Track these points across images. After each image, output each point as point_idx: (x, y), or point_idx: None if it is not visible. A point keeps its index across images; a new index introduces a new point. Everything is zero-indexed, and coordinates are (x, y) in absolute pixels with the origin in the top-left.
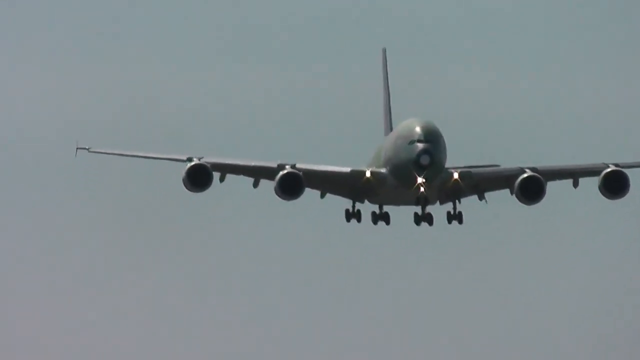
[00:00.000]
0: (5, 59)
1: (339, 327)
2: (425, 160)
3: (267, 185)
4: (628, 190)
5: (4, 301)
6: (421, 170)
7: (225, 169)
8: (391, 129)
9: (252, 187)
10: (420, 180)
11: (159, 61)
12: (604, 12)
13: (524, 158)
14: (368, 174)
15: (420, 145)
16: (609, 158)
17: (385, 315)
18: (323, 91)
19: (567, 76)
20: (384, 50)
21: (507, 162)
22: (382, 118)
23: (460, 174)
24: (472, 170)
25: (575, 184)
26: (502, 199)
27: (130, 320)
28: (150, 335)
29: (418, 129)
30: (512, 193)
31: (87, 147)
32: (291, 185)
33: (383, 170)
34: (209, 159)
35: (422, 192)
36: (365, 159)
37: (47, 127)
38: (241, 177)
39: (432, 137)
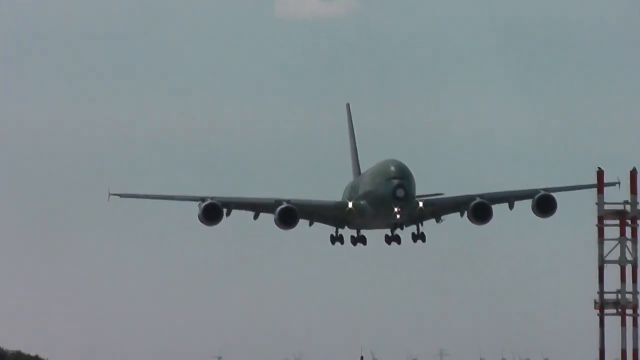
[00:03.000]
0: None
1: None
2: (401, 193)
3: (265, 217)
4: (556, 210)
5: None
6: (397, 201)
7: (232, 205)
8: (358, 169)
9: (252, 219)
10: (396, 209)
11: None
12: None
13: (468, 185)
14: (350, 205)
15: (396, 181)
16: (538, 184)
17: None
18: (299, 139)
19: (494, 112)
20: (348, 105)
21: (450, 190)
22: (350, 160)
23: (424, 203)
24: (434, 198)
25: (511, 207)
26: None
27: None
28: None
29: (393, 168)
30: (461, 215)
31: (118, 194)
32: (288, 217)
33: (362, 202)
34: (218, 197)
35: (398, 218)
36: (336, 193)
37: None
38: (243, 211)
39: (405, 174)
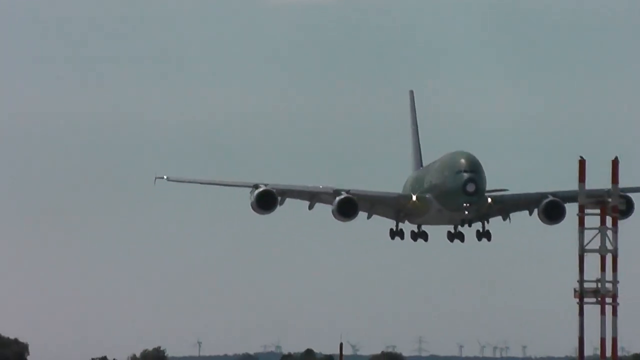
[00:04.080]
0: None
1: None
2: (471, 187)
3: (320, 207)
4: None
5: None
6: (467, 196)
7: (287, 193)
8: (420, 160)
9: (307, 209)
10: (465, 204)
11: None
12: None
13: (534, 183)
14: (414, 198)
15: (466, 175)
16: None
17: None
18: (361, 128)
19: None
20: (412, 92)
21: (514, 186)
22: (411, 150)
23: (493, 199)
24: (504, 195)
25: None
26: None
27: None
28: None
29: (463, 161)
30: (530, 214)
31: (164, 177)
32: (348, 208)
33: (427, 195)
34: (273, 185)
35: (467, 214)
36: (395, 185)
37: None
38: (297, 201)
39: (476, 168)
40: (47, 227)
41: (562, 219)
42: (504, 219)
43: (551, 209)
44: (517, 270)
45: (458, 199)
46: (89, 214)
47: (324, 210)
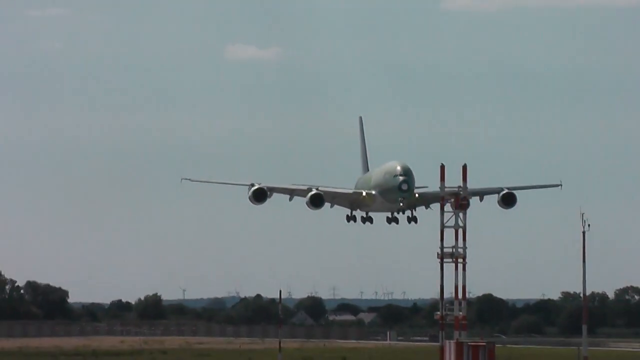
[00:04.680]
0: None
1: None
2: (405, 186)
3: (298, 200)
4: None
5: None
6: (402, 192)
7: (274, 190)
8: (367, 165)
9: (288, 200)
10: (400, 199)
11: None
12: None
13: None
14: (364, 194)
15: (401, 178)
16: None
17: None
18: (327, 144)
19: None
20: (360, 118)
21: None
22: (360, 159)
23: (419, 194)
24: (428, 191)
25: (481, 199)
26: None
27: None
28: None
29: (399, 168)
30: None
31: (189, 178)
32: (317, 201)
33: (373, 192)
34: (264, 184)
35: (402, 205)
36: (350, 183)
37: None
38: (281, 195)
39: (408, 172)
40: (82, 210)
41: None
42: (426, 208)
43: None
44: (409, 243)
45: (396, 194)
46: (112, 201)
47: (301, 201)
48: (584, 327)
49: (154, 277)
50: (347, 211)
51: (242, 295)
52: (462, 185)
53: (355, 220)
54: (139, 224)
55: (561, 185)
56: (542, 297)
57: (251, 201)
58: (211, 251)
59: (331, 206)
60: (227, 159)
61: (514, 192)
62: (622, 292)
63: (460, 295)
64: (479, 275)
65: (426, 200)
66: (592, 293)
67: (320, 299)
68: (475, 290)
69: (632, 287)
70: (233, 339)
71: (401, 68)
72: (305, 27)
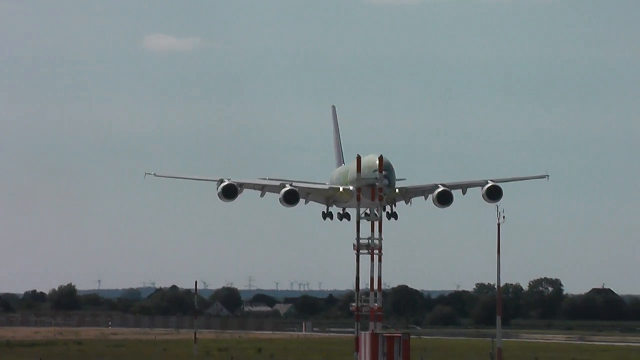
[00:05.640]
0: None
1: None
2: (385, 182)
3: (270, 196)
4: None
5: None
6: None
7: (244, 186)
8: (342, 157)
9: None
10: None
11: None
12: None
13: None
14: (341, 189)
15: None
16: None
17: None
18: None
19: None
20: (334, 107)
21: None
22: (334, 151)
23: (399, 189)
24: (407, 185)
25: (464, 193)
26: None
27: None
28: None
29: (378, 162)
30: (425, 199)
31: (153, 173)
32: (291, 197)
33: (351, 187)
34: (234, 179)
35: (381, 201)
36: (324, 177)
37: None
38: (252, 191)
39: (388, 167)
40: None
41: (450, 204)
42: (406, 203)
43: (443, 197)
44: (325, 233)
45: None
46: (25, 192)
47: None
48: (498, 318)
49: (69, 267)
50: (323, 207)
51: (158, 286)
52: (378, 177)
53: (332, 217)
54: (54, 214)
55: (548, 176)
56: (456, 289)
57: (220, 198)
58: (127, 241)
59: (305, 202)
60: (148, 150)
61: (500, 184)
62: (536, 284)
63: (375, 287)
64: (394, 266)
65: (407, 194)
66: (506, 284)
67: (236, 289)
68: (390, 281)
69: (545, 279)
70: (148, 330)
71: (321, 58)
72: (224, 18)
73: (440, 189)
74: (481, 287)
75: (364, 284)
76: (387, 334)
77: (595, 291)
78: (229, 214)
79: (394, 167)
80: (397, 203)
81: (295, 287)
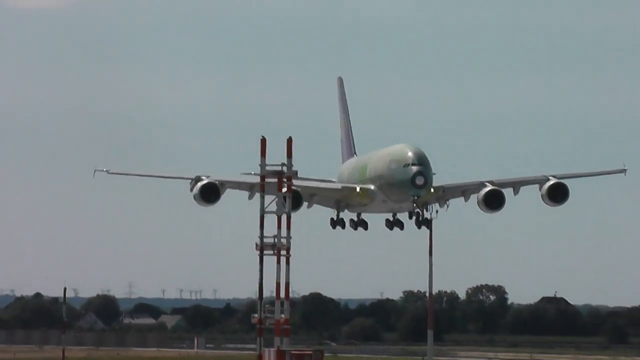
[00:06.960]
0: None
1: None
2: (420, 181)
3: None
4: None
5: None
6: (416, 189)
7: (228, 185)
8: (354, 149)
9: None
10: (414, 197)
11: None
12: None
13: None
14: (358, 189)
15: (415, 168)
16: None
17: None
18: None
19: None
20: (340, 79)
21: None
22: (342, 139)
23: (434, 188)
24: (445, 184)
25: (516, 192)
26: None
27: None
28: None
29: (411, 154)
30: (466, 201)
31: (104, 169)
32: (295, 201)
33: (371, 186)
34: (215, 177)
35: (415, 206)
36: (329, 173)
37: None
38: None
39: (424, 161)
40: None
41: (502, 208)
42: (441, 206)
43: (492, 197)
44: (222, 231)
45: (406, 191)
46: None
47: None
48: (430, 333)
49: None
50: (330, 212)
51: (18, 294)
52: (286, 162)
53: (343, 225)
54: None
55: (626, 170)
56: (380, 297)
57: (197, 202)
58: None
59: (309, 206)
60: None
61: (564, 182)
62: (475, 292)
63: (282, 295)
64: (305, 271)
65: (445, 195)
66: (440, 292)
67: (114, 298)
68: (301, 288)
69: (486, 286)
70: (6, 347)
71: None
72: None
73: (489, 187)
74: (409, 296)
75: (269, 292)
76: (296, 352)
77: (546, 300)
78: (107, 207)
79: (429, 160)
80: (430, 205)
81: (185, 296)
